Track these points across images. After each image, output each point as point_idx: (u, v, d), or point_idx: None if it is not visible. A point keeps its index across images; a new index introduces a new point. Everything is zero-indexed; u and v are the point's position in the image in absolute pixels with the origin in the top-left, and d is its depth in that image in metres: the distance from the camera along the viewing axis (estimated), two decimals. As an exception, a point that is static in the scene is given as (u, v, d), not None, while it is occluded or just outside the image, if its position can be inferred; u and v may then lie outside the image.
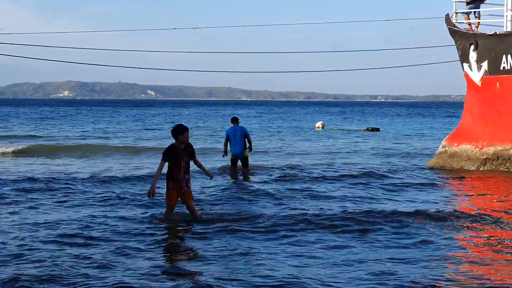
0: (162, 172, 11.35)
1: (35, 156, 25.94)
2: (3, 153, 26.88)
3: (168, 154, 11.23)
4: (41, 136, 39.25)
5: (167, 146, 11.58)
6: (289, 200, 14.35)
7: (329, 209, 13.03)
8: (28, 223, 11.49)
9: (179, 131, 11.24)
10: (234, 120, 19.57)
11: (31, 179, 17.31)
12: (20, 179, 17.45)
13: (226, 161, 20.28)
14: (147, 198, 11.65)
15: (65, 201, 13.99)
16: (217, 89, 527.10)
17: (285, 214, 12.32)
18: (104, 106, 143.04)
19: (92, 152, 27.77)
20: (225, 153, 19.18)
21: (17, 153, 27.17)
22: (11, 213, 12.59)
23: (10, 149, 27.94)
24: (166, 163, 11.33)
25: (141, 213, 12.44)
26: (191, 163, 11.48)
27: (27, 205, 13.40)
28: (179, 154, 11.19)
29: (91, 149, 29.15)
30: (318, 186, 16.84)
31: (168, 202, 11.48)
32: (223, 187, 16.19)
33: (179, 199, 11.46)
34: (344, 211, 12.64)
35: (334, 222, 11.49)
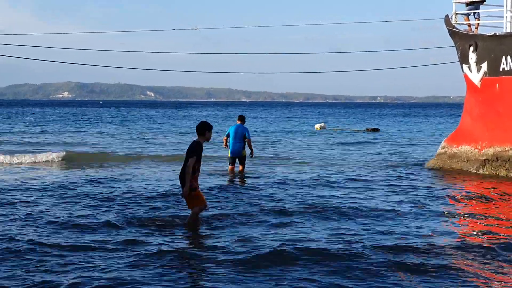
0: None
1: None
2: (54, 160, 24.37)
3: (198, 151, 10.97)
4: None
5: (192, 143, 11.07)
6: (291, 215, 12.94)
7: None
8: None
9: (208, 127, 11.07)
10: (240, 119, 19.84)
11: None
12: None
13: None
14: (182, 198, 11.43)
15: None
16: (217, 90, 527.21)
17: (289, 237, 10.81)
18: (125, 107, 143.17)
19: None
20: (226, 145, 19.66)
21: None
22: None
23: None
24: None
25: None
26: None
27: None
28: (201, 151, 11.12)
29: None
30: (317, 191, 16.73)
31: (201, 203, 11.24)
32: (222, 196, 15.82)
33: None
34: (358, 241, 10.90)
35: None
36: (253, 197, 14.74)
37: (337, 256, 9.20)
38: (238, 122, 19.61)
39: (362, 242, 10.09)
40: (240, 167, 19.53)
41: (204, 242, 10.24)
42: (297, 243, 9.89)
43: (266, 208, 13.28)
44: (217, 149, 26.62)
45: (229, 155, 19.55)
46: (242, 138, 19.25)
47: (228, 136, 19.38)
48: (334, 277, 8.32)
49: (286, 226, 11.54)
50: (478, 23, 21.12)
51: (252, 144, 19.78)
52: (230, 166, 19.61)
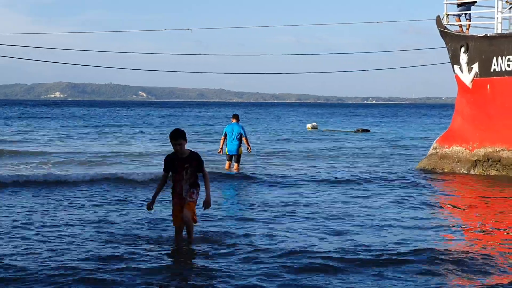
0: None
1: None
2: None
3: (167, 164, 9.79)
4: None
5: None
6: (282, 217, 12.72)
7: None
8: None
9: (169, 137, 9.68)
10: (235, 117, 20.79)
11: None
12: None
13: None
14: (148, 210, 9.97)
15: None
16: (209, 90, 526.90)
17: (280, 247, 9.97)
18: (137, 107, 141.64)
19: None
20: (221, 150, 20.56)
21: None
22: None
23: None
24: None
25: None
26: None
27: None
28: (178, 164, 9.66)
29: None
30: (307, 192, 16.73)
31: (173, 222, 10.04)
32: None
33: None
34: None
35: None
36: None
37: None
38: (233, 121, 20.49)
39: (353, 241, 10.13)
40: (235, 165, 20.37)
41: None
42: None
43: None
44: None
45: (227, 153, 20.41)
46: (238, 136, 20.11)
47: (225, 135, 20.19)
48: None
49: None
50: (470, 24, 21.17)
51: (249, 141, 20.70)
52: (227, 162, 20.57)
